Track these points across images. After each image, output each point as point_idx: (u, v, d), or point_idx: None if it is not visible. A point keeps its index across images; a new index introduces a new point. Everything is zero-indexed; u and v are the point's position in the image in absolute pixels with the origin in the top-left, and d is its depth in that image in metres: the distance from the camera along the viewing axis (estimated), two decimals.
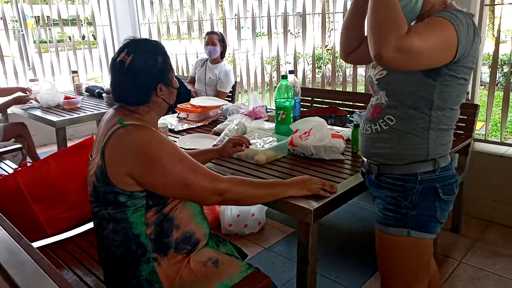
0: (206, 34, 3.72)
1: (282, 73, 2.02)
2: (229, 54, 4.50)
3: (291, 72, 2.18)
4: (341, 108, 2.79)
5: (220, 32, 3.79)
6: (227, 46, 3.86)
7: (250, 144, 1.70)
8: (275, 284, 1.46)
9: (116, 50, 1.24)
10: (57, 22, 4.97)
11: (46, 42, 5.10)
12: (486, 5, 2.55)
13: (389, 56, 1.02)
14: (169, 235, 1.22)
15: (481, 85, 4.18)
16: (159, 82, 1.23)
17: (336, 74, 5.18)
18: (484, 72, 5.40)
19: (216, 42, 3.65)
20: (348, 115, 2.60)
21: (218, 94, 3.70)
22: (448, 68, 1.12)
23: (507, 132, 4.99)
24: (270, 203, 1.39)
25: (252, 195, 1.28)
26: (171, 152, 1.16)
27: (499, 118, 4.98)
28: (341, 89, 3.61)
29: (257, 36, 4.36)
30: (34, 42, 4.98)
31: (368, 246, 2.46)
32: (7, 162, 2.65)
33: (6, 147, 2.80)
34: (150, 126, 1.21)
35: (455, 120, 1.25)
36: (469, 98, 2.71)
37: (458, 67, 1.13)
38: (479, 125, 3.15)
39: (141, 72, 1.19)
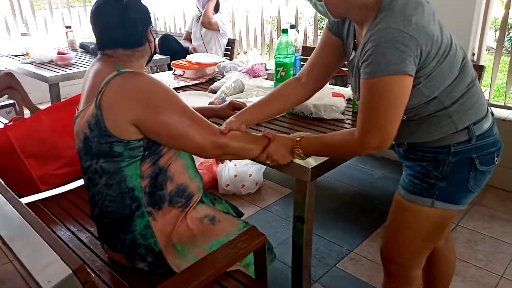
0: None
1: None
2: (229, 13, 4.35)
3: (292, 26, 2.09)
4: (343, 68, 2.70)
5: None
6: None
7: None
8: (271, 243, 1.45)
9: None
10: None
11: None
12: None
13: (382, 148, 1.07)
14: (163, 188, 1.19)
15: (486, 50, 4.07)
16: (150, 24, 1.21)
17: None
18: (489, 37, 5.24)
19: None
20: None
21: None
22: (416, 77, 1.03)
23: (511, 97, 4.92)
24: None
25: (251, 149, 1.23)
26: (176, 101, 1.13)
27: (502, 83, 4.89)
28: None
29: None
30: None
31: (364, 208, 2.46)
32: (1, 118, 2.60)
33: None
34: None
35: (469, 75, 1.10)
36: (475, 60, 2.63)
37: (424, 67, 1.02)
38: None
39: (139, 9, 1.17)
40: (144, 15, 1.20)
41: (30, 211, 0.87)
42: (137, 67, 1.20)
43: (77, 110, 1.21)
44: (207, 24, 3.69)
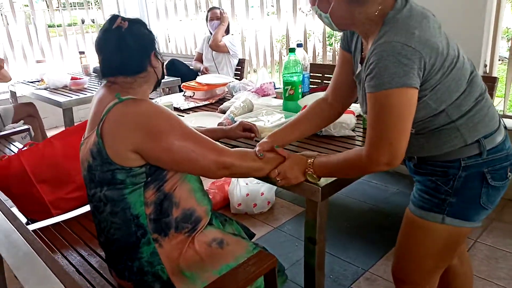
0: (208, 11, 3.70)
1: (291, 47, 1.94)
2: (239, 33, 4.41)
3: (299, 45, 2.10)
4: None
5: (221, 8, 3.78)
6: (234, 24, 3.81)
7: (258, 137, 1.60)
8: (282, 264, 1.42)
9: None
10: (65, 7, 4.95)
11: (54, 26, 5.07)
12: None
13: (392, 165, 1.04)
14: (169, 214, 1.18)
15: (499, 60, 4.01)
16: (153, 50, 1.21)
17: None
18: (501, 46, 5.17)
19: (219, 15, 3.61)
20: None
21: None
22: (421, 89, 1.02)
23: None
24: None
25: (259, 169, 1.23)
26: (178, 126, 1.12)
27: None
28: None
29: (267, 15, 4.25)
30: (49, 26, 4.96)
31: (380, 226, 2.41)
32: (16, 144, 2.65)
33: (14, 128, 2.81)
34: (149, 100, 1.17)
35: (478, 88, 1.09)
36: (487, 71, 2.59)
37: (429, 79, 1.01)
38: (496, 101, 3.04)
39: (138, 36, 1.17)
40: (146, 42, 1.19)
41: (37, 238, 0.87)
42: (141, 93, 1.20)
43: (83, 137, 1.22)
44: (215, 47, 3.73)
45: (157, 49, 1.23)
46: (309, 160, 1.20)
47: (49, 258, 0.80)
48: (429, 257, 1.20)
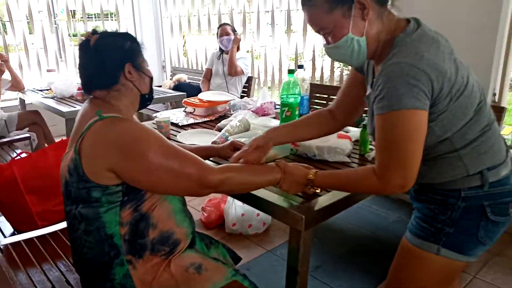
0: (218, 27, 3.72)
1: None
2: (251, 50, 4.42)
3: (300, 66, 2.08)
4: None
5: (233, 26, 3.80)
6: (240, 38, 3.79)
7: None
8: None
9: None
10: (91, 16, 5.05)
11: (71, 35, 5.17)
12: None
13: (407, 187, 1.01)
14: (145, 236, 1.14)
15: (510, 88, 3.92)
16: (127, 62, 1.17)
17: None
18: None
19: (229, 32, 3.64)
20: (363, 115, 2.45)
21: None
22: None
23: None
24: (260, 206, 1.30)
25: (249, 184, 1.18)
26: (158, 146, 1.08)
27: None
28: None
29: (285, 33, 4.26)
30: (69, 35, 5.07)
31: (376, 254, 2.33)
32: (18, 151, 2.67)
33: (17, 136, 2.83)
34: (131, 119, 1.15)
35: (485, 118, 1.06)
36: (496, 100, 2.52)
37: (437, 103, 0.99)
38: (507, 130, 2.94)
39: (107, 49, 1.16)
40: (116, 53, 1.16)
41: (1, 257, 0.85)
42: (123, 109, 1.18)
43: (65, 152, 1.20)
44: (235, 74, 3.67)
45: (135, 60, 1.19)
46: (310, 175, 1.16)
47: (5, 279, 0.77)
48: None
